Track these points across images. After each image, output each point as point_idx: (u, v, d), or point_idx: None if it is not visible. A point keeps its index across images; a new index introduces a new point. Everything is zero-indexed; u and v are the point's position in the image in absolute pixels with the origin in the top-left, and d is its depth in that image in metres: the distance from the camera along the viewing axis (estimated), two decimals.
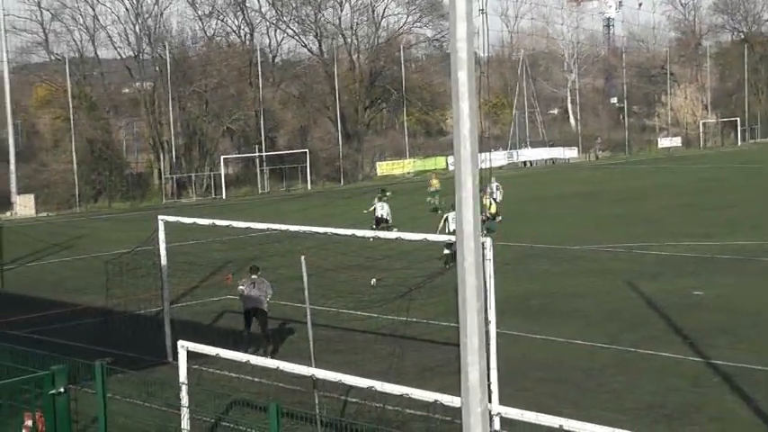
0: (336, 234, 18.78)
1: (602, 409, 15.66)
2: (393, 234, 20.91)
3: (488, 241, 14.06)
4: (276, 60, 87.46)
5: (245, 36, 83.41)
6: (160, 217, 20.59)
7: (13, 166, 61.22)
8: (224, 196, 65.37)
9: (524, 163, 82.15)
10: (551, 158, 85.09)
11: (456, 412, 12.08)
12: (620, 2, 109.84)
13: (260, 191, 68.80)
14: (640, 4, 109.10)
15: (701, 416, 15.75)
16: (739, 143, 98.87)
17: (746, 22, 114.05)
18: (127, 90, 75.67)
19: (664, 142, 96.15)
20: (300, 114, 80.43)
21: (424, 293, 26.35)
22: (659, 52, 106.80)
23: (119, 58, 72.56)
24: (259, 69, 73.67)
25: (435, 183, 49.51)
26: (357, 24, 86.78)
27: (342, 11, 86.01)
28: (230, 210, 48.81)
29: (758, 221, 36.04)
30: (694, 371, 18.42)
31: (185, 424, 13.19)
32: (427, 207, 43.86)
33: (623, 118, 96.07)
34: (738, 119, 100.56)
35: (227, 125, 71.61)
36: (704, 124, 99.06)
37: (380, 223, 37.18)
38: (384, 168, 75.88)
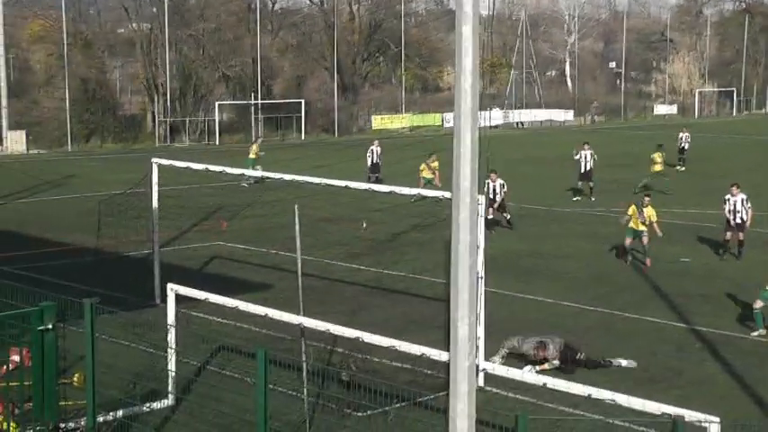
0: (330, 185, 18.78)
1: (583, 371, 15.79)
2: None
3: (482, 198, 14.10)
4: (275, 8, 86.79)
5: None
6: (154, 159, 20.53)
7: (4, 101, 60.64)
8: (217, 142, 65.08)
9: (517, 124, 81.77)
10: (548, 120, 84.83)
11: (441, 367, 12.20)
12: None
13: (254, 139, 68.52)
14: None
15: (682, 380, 15.91)
16: (734, 114, 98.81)
17: None
18: (122, 30, 74.94)
19: (660, 109, 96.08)
20: (297, 64, 79.93)
21: (415, 248, 26.45)
22: (660, 18, 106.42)
23: None
24: (258, 16, 73.12)
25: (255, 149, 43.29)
26: None
27: None
28: (224, 156, 48.71)
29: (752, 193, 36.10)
30: (678, 336, 18.58)
31: (172, 366, 13.26)
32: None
33: (620, 83, 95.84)
34: (735, 89, 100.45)
35: (223, 71, 71.10)
36: (700, 93, 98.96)
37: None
38: (379, 122, 75.55)
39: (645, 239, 24.65)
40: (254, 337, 16.99)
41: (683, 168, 46.92)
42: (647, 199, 24.77)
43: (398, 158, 43.38)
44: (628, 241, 25.15)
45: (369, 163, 40.24)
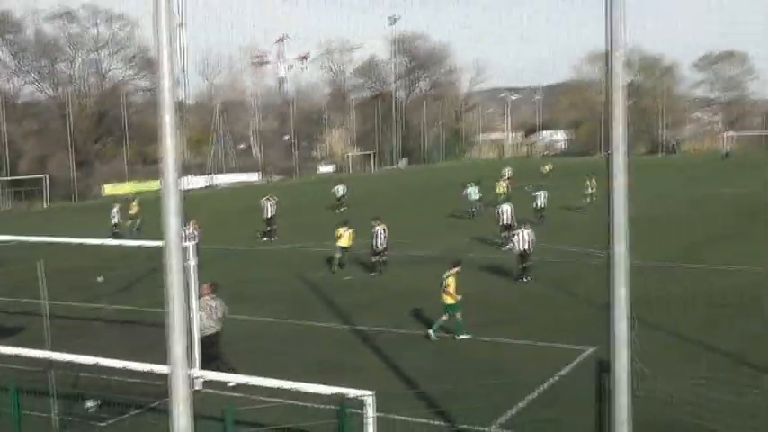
0: (69, 242, 17.61)
1: (276, 370, 15.69)
2: None
3: (191, 245, 13.74)
4: (18, 101, 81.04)
5: None
6: None
7: None
8: None
9: (209, 186, 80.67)
10: (240, 181, 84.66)
11: (166, 378, 11.72)
12: (290, 65, 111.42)
13: (1, 209, 63.15)
14: (304, 68, 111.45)
15: (350, 368, 16.16)
16: (374, 169, 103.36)
17: (378, 82, 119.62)
18: None
19: (322, 169, 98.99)
20: (39, 145, 74.82)
21: (147, 285, 25.34)
22: (318, 103, 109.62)
23: None
24: (3, 109, 67.69)
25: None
26: (86, 75, 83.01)
27: (73, 64, 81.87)
28: None
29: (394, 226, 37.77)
30: (344, 335, 18.90)
31: None
32: (129, 228, 38.54)
33: (293, 150, 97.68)
34: (373, 152, 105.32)
35: None
36: (350, 156, 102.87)
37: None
38: (110, 190, 72.35)
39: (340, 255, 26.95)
40: (5, 374, 15.47)
41: (344, 209, 47.86)
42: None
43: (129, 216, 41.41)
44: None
45: (112, 221, 38.31)
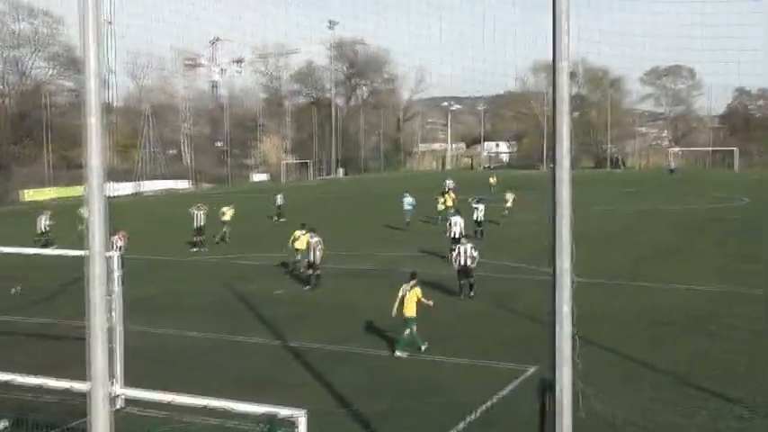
0: None
1: (201, 386, 15.43)
2: None
3: (116, 255, 13.47)
4: None
5: None
6: None
7: None
8: None
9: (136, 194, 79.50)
10: (169, 188, 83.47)
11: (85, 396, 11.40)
12: (223, 69, 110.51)
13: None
14: (239, 72, 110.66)
15: (280, 384, 15.95)
16: (310, 179, 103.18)
17: (315, 89, 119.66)
18: None
19: (256, 177, 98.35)
20: None
21: (63, 299, 24.74)
22: (253, 109, 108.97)
23: None
24: None
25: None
26: (6, 73, 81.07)
27: None
28: None
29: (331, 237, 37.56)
30: (274, 350, 18.67)
31: None
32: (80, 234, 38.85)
33: (225, 157, 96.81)
34: (310, 161, 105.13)
35: None
36: (285, 164, 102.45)
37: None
38: (30, 195, 70.55)
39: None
40: None
41: (284, 220, 46.59)
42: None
43: (58, 222, 40.32)
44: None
45: (40, 230, 37.21)
